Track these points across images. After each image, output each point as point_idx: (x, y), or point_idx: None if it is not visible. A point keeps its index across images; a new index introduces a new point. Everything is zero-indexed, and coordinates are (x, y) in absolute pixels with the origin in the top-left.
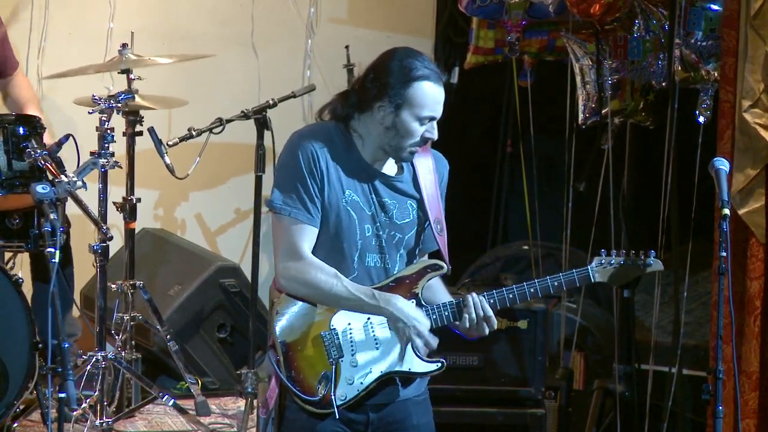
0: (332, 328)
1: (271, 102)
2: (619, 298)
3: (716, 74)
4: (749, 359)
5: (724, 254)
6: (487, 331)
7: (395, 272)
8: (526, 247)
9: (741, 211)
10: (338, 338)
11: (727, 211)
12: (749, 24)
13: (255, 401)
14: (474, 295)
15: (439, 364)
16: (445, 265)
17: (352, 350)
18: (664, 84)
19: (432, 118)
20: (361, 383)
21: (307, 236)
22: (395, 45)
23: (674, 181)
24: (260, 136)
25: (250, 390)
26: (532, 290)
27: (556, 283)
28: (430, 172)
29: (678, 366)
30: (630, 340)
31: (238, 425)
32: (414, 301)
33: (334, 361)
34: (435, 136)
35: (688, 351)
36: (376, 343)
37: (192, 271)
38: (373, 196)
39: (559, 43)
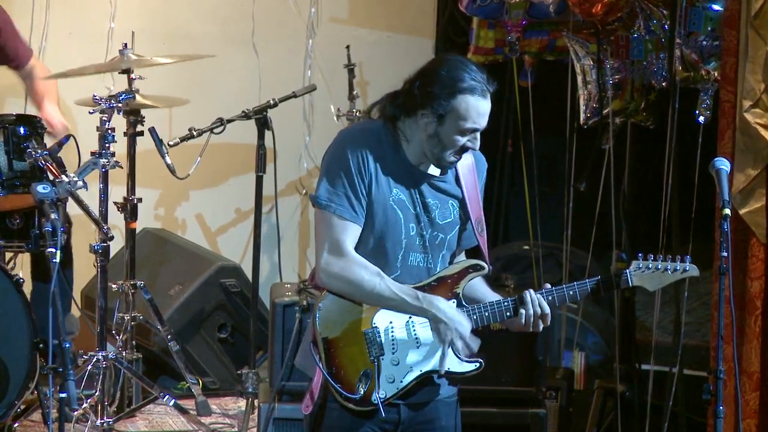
0: (374, 326)
1: (271, 102)
2: (620, 297)
3: (717, 74)
4: (750, 359)
5: (725, 254)
6: (541, 327)
7: (437, 272)
8: (526, 247)
9: (742, 211)
10: (380, 336)
11: (727, 211)
12: (750, 24)
13: (256, 401)
14: (531, 291)
15: (477, 364)
16: (486, 265)
17: (393, 349)
18: (664, 84)
19: (474, 130)
20: (401, 382)
21: (351, 233)
22: (396, 45)
23: (675, 181)
24: (261, 136)
25: (250, 390)
26: (571, 293)
27: (594, 286)
28: (471, 171)
29: (679, 366)
30: (631, 340)
31: (239, 425)
32: (455, 301)
33: (375, 359)
34: (477, 147)
35: (688, 351)
36: (417, 342)
37: (193, 271)
38: (418, 196)
39: (559, 43)
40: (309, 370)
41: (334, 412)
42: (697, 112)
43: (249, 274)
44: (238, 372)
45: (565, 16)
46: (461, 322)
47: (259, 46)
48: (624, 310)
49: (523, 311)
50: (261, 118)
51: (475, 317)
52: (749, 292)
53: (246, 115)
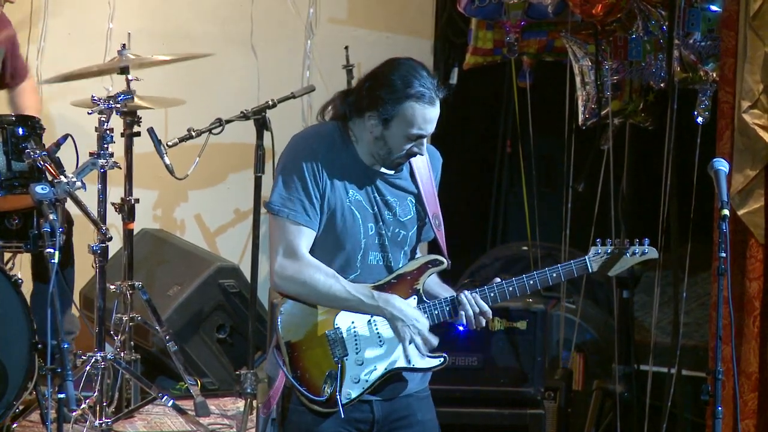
0: (336, 326)
1: (270, 103)
2: (619, 298)
3: (715, 75)
4: (748, 360)
5: (724, 255)
6: (483, 323)
7: (398, 269)
8: (525, 248)
9: (740, 212)
10: (343, 337)
11: (726, 211)
12: (748, 25)
13: (254, 402)
14: (466, 293)
15: (442, 359)
16: (445, 260)
17: (357, 348)
18: (663, 85)
19: (420, 136)
20: (366, 381)
21: (306, 237)
22: (395, 46)
23: (673, 181)
24: (259, 137)
25: (249, 390)
26: (531, 282)
27: (554, 275)
28: (425, 167)
29: (677, 366)
30: (629, 340)
31: (238, 426)
32: (416, 297)
33: (339, 360)
34: (423, 152)
35: (687, 351)
36: (380, 341)
37: (191, 272)
38: (376, 195)
39: (557, 44)
40: (276, 374)
41: (306, 415)
42: (695, 112)
43: (247, 275)
44: (237, 372)
45: (563, 17)
46: (418, 319)
47: (258, 47)
48: (622, 311)
49: (462, 312)
50: (260, 119)
51: (434, 312)
52: (748, 292)
53: (245, 116)
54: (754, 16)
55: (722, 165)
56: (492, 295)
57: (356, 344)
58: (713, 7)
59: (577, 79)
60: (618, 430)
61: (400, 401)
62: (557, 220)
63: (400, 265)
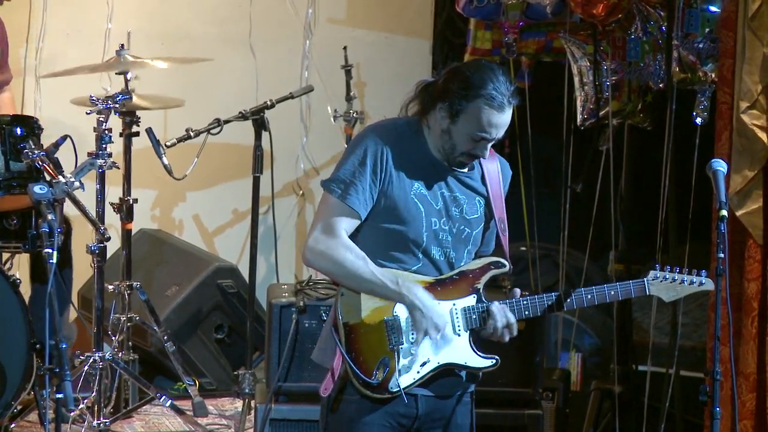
0: (395, 314)
1: (269, 103)
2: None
3: (714, 75)
4: (746, 360)
5: (722, 255)
6: (507, 337)
7: (460, 266)
8: (523, 248)
9: (738, 213)
10: (401, 325)
11: (724, 212)
12: (747, 25)
13: (252, 402)
14: (496, 303)
15: (494, 360)
16: (507, 263)
17: (413, 339)
18: (661, 85)
19: (485, 139)
20: (418, 372)
21: (348, 220)
22: (393, 46)
23: (672, 182)
24: (258, 137)
25: (247, 391)
26: (589, 296)
27: (612, 292)
28: (496, 173)
29: (675, 367)
30: (627, 341)
31: (236, 426)
32: (475, 296)
33: (394, 347)
34: (485, 155)
35: (685, 352)
36: (424, 333)
37: (189, 272)
38: (445, 190)
39: (556, 44)
40: (326, 362)
41: (351, 405)
42: (694, 113)
43: (246, 275)
44: (235, 373)
45: (562, 17)
46: (438, 313)
47: (257, 47)
48: (621, 312)
49: (491, 322)
50: (258, 119)
51: (471, 317)
52: (746, 293)
53: (243, 116)
54: (752, 17)
55: (721, 166)
56: (549, 304)
57: (413, 335)
58: (712, 8)
59: (576, 80)
60: (616, 430)
61: (445, 401)
62: (556, 221)
63: (463, 263)
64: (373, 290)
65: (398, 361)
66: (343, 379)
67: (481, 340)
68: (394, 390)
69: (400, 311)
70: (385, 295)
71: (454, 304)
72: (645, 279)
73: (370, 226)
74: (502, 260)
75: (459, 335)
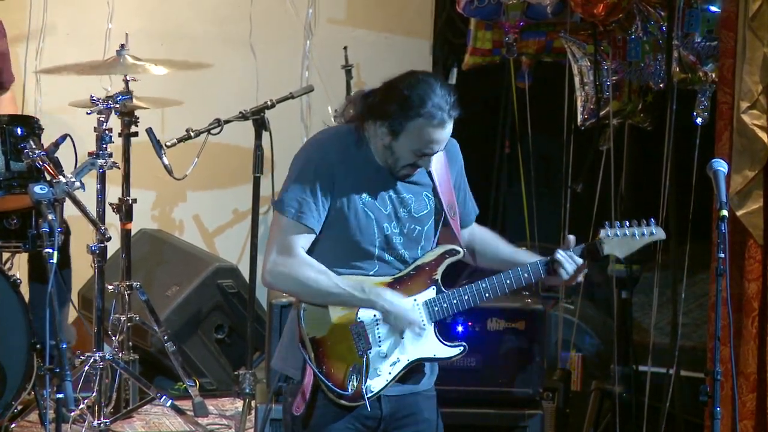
0: (359, 320)
1: (269, 103)
2: (617, 299)
3: (714, 76)
4: (747, 360)
5: (722, 255)
6: (581, 277)
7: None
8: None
9: (739, 213)
10: (366, 330)
11: (725, 212)
12: (747, 25)
13: (253, 402)
14: (560, 250)
15: (462, 348)
16: (461, 249)
17: (379, 341)
18: (662, 85)
19: (426, 155)
20: (389, 373)
21: (303, 237)
22: (393, 46)
23: (672, 182)
24: (258, 137)
25: (247, 391)
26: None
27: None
28: (441, 159)
29: (676, 367)
30: (628, 341)
31: (236, 426)
32: (435, 287)
33: (363, 354)
34: (428, 167)
35: (685, 352)
36: (401, 333)
37: (190, 272)
38: (392, 193)
39: (556, 44)
40: (288, 370)
41: (317, 411)
42: (694, 113)
43: (246, 275)
44: (235, 373)
45: (562, 18)
46: (407, 309)
47: (257, 47)
48: (621, 312)
49: (562, 269)
50: (258, 119)
51: (453, 302)
52: (746, 293)
53: (243, 116)
54: (753, 17)
55: (721, 166)
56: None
57: (379, 337)
58: (712, 8)
59: (576, 80)
60: (616, 430)
61: (408, 399)
62: (556, 221)
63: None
64: (341, 302)
65: (369, 366)
66: (316, 390)
67: (444, 330)
68: (369, 396)
69: (364, 316)
70: (354, 304)
71: (415, 300)
72: (598, 240)
73: (326, 237)
74: (456, 247)
75: (424, 328)
